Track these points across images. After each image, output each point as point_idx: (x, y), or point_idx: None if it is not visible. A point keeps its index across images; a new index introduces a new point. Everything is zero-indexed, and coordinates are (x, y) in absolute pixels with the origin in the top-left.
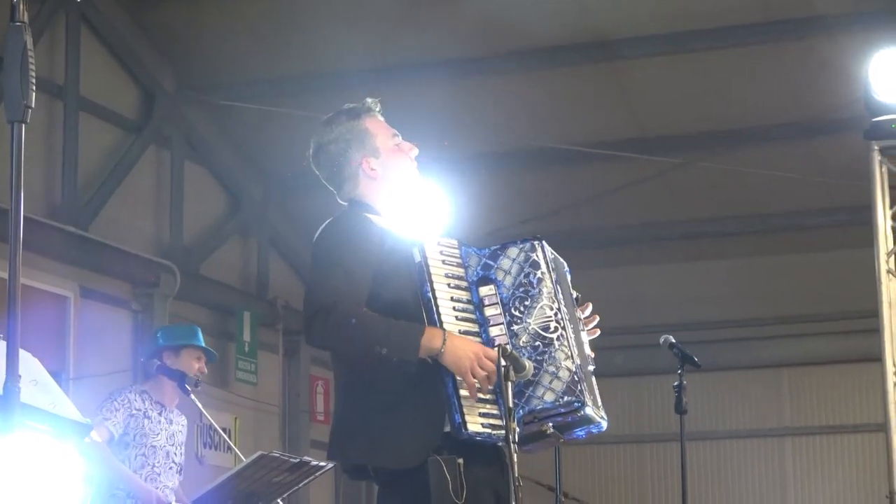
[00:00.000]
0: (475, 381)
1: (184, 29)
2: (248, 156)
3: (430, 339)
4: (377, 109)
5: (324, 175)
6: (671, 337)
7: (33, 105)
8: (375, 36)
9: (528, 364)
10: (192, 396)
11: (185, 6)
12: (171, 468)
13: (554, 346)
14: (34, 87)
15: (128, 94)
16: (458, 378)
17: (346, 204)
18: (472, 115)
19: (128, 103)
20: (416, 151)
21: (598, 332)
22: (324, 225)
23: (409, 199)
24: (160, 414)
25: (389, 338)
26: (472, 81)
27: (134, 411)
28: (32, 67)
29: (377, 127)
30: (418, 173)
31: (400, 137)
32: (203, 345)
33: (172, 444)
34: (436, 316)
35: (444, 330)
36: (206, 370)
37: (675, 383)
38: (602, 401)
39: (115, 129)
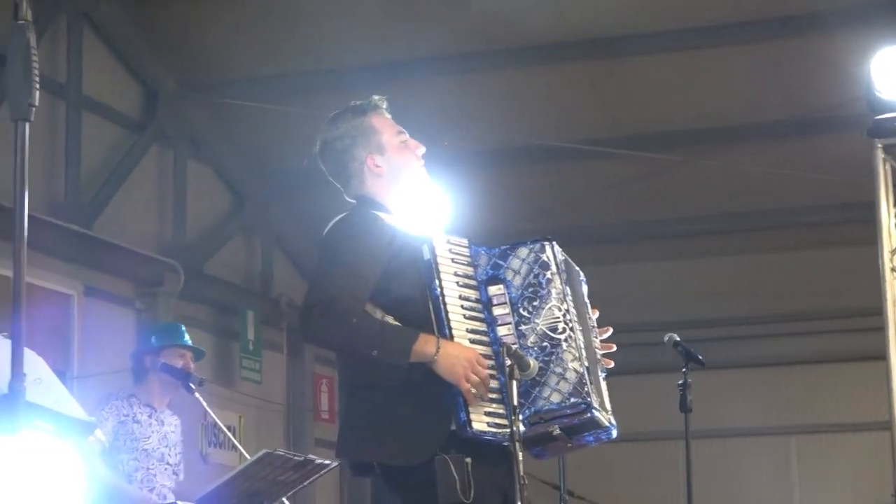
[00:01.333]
0: (471, 386)
1: (186, 27)
2: (250, 154)
3: (424, 344)
4: (384, 107)
5: (329, 172)
6: (675, 335)
7: (37, 104)
8: (376, 33)
9: (533, 363)
10: (197, 395)
11: (186, 5)
12: (166, 469)
13: (561, 348)
14: (38, 86)
15: (130, 92)
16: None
17: (353, 201)
18: (470, 112)
19: (130, 102)
20: (422, 150)
21: (614, 347)
22: (333, 221)
23: (416, 196)
24: (150, 416)
25: (382, 340)
26: (469, 78)
27: (122, 417)
28: (36, 66)
29: (383, 124)
30: (424, 171)
31: (406, 135)
32: (185, 342)
33: (166, 446)
34: (443, 314)
35: (438, 337)
36: (191, 366)
37: (680, 381)
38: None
39: (118, 127)
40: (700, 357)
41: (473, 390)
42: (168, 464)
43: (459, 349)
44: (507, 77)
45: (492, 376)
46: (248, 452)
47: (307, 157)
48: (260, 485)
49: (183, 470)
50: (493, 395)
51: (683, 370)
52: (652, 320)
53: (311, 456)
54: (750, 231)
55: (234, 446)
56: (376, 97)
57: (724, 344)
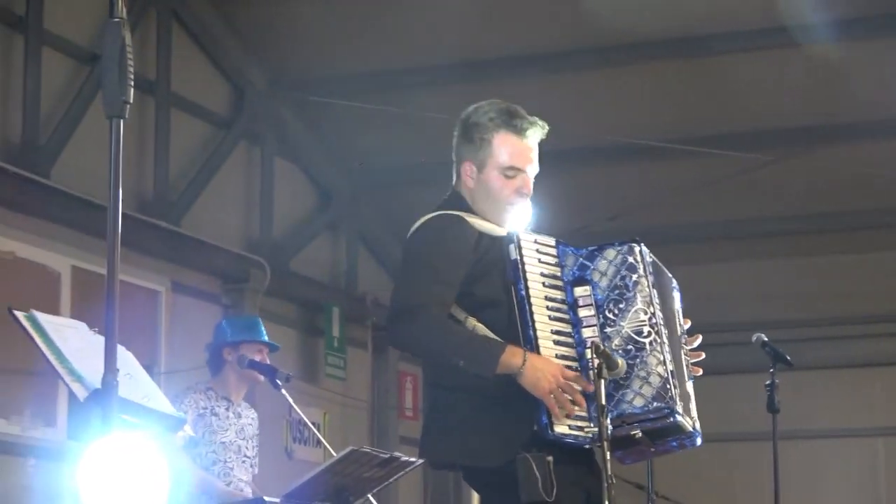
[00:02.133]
0: (555, 401)
1: (274, 25)
2: (337, 151)
3: (510, 357)
4: (528, 132)
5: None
6: (763, 335)
7: (131, 101)
8: (465, 31)
9: (622, 362)
10: (283, 391)
11: (275, 3)
12: (243, 462)
13: (646, 351)
14: (132, 83)
15: (218, 90)
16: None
17: (445, 197)
18: (559, 111)
19: (218, 99)
20: (524, 192)
21: (702, 355)
22: (418, 222)
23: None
24: (227, 409)
25: (469, 351)
26: (560, 77)
27: (201, 410)
28: (131, 63)
29: (503, 145)
30: (514, 212)
31: (520, 173)
32: (264, 338)
33: (243, 438)
34: (528, 315)
35: (525, 350)
36: (267, 361)
37: (767, 382)
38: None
39: (206, 124)
40: (788, 357)
41: (558, 406)
42: (245, 456)
43: (545, 363)
44: (597, 75)
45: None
46: (332, 449)
47: (395, 154)
48: (345, 481)
49: (258, 464)
50: (576, 410)
51: (771, 370)
52: (740, 320)
53: (396, 453)
54: (839, 231)
55: (318, 443)
56: (528, 121)
57: (812, 344)
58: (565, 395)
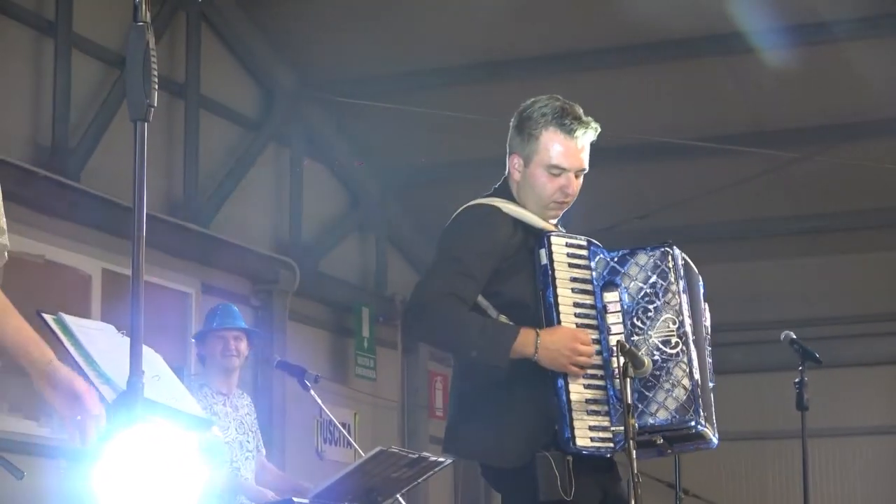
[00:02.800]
0: (577, 369)
1: (302, 27)
2: (366, 152)
3: (522, 345)
4: (577, 133)
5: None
6: (792, 333)
7: (156, 104)
8: (491, 31)
9: (648, 360)
10: (312, 392)
11: (303, 4)
12: (247, 458)
13: (672, 362)
14: (156, 86)
15: (247, 92)
16: (570, 386)
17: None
18: (585, 110)
19: (247, 101)
20: (568, 192)
21: None
22: (458, 211)
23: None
24: (225, 405)
25: (482, 341)
26: (585, 76)
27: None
28: (155, 66)
29: (550, 142)
30: (553, 210)
31: (565, 171)
32: (224, 326)
33: (243, 433)
34: (555, 322)
35: (536, 331)
36: (238, 347)
37: (796, 380)
38: (720, 397)
39: (235, 126)
40: (817, 355)
41: (580, 370)
42: (248, 451)
43: (556, 337)
44: (625, 74)
45: (599, 386)
46: (362, 449)
47: (423, 155)
48: (374, 481)
49: (262, 445)
50: (598, 407)
51: (800, 368)
52: (768, 318)
53: (425, 453)
54: (867, 228)
55: (348, 443)
56: (580, 120)
57: (841, 342)
58: (585, 358)
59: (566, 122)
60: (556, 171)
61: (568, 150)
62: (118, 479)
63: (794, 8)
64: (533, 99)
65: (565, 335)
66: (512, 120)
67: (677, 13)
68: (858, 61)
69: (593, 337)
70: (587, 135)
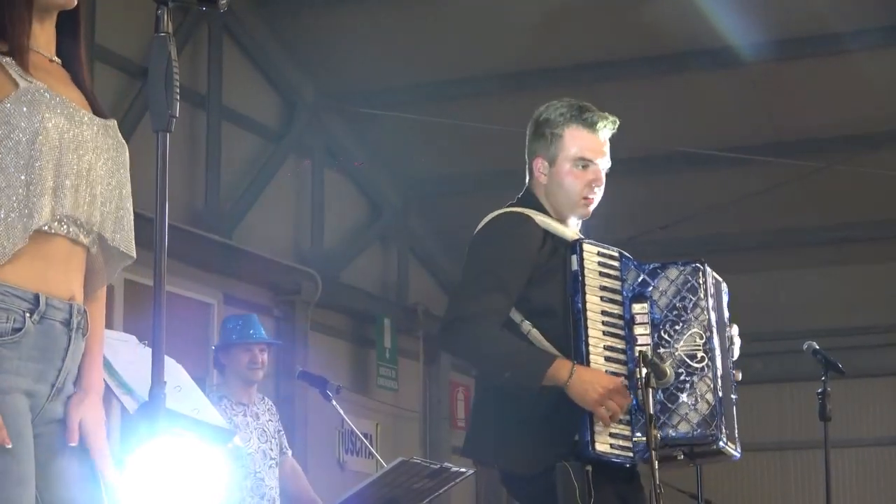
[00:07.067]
0: (604, 411)
1: (323, 38)
2: (387, 163)
3: (557, 371)
4: (598, 125)
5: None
6: (815, 343)
7: (177, 115)
8: (513, 42)
9: (670, 371)
10: (334, 402)
11: (323, 16)
12: (270, 467)
13: (697, 376)
14: (178, 97)
15: (269, 103)
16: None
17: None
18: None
19: (269, 112)
20: (596, 185)
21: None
22: (485, 220)
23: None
24: (244, 415)
25: (517, 363)
26: (610, 86)
27: None
28: (177, 78)
29: (574, 138)
30: (585, 206)
31: (591, 165)
32: (254, 339)
33: (266, 442)
34: (583, 329)
35: (573, 362)
36: (262, 360)
37: (819, 390)
38: (743, 407)
39: (257, 137)
40: (840, 365)
41: (608, 414)
42: (271, 459)
43: (594, 375)
44: (646, 84)
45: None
46: (384, 460)
47: (444, 166)
48: (396, 492)
49: (287, 445)
50: (620, 416)
51: (823, 378)
52: (790, 328)
53: (446, 464)
54: (891, 239)
55: (370, 454)
56: (599, 115)
57: (863, 352)
58: (616, 406)
59: (586, 116)
60: (583, 163)
61: (593, 143)
62: (141, 491)
63: (815, 20)
64: (545, 105)
65: (605, 377)
66: (528, 129)
67: (702, 25)
68: (875, 72)
69: (619, 346)
70: (607, 128)
